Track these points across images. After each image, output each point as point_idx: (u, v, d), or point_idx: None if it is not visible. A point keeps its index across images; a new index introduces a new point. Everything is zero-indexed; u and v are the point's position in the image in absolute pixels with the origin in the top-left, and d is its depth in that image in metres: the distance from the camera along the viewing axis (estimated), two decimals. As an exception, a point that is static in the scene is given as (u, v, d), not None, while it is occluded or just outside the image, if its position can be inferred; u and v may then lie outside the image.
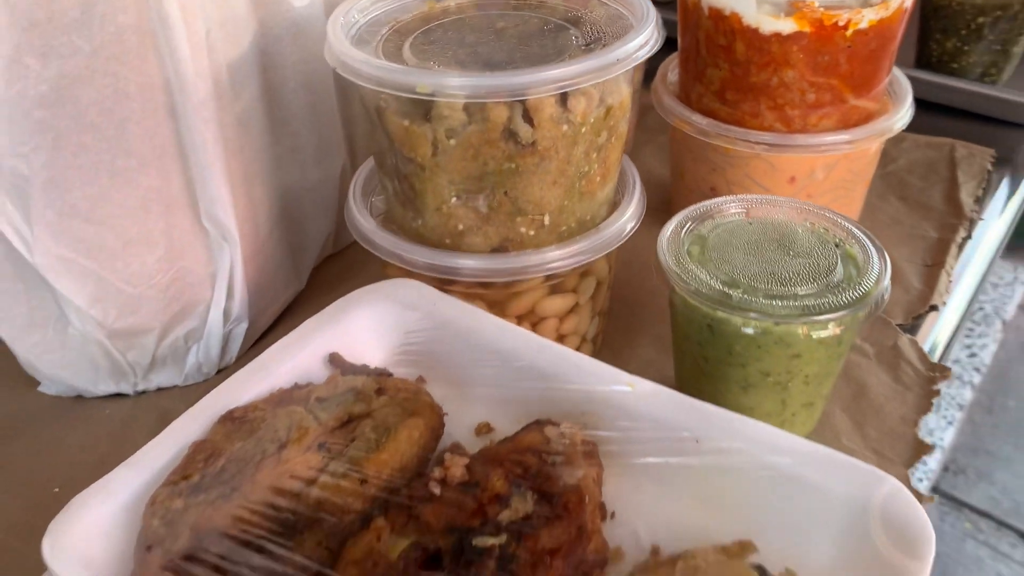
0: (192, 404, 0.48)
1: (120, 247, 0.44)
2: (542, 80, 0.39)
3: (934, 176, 0.66)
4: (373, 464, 0.37)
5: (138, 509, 0.37)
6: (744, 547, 0.36)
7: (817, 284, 0.41)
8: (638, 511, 0.38)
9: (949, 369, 0.50)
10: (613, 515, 0.38)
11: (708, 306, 0.41)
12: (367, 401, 0.41)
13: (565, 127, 0.41)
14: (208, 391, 0.45)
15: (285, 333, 0.52)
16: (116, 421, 0.50)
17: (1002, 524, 1.56)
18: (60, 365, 0.49)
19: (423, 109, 0.41)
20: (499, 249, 0.45)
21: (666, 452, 0.38)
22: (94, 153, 0.42)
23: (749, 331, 0.40)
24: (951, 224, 0.61)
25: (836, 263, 0.42)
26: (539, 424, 0.40)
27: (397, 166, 0.44)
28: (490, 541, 0.34)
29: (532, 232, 0.45)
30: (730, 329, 0.41)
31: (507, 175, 0.42)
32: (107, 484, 0.37)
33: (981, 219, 0.62)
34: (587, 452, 0.38)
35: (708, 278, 0.42)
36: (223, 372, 0.52)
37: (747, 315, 0.40)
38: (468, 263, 0.45)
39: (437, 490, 0.37)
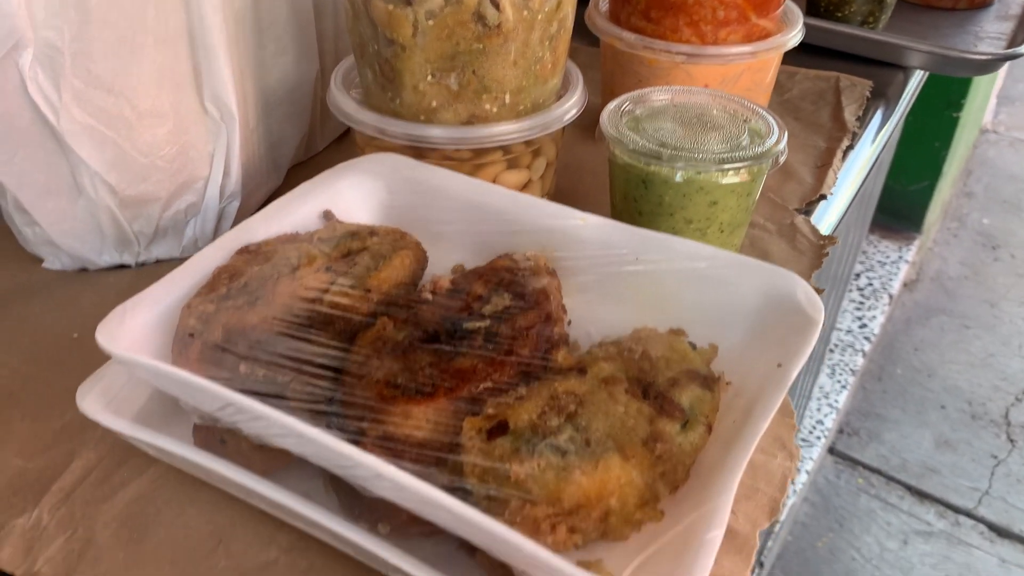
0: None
1: (135, 118, 0.51)
2: (507, -30, 0.48)
3: (822, 102, 0.77)
4: (374, 280, 0.45)
5: (170, 318, 0.43)
6: (676, 332, 0.45)
7: (729, 145, 0.51)
8: (590, 318, 0.47)
9: (835, 238, 0.61)
10: (570, 322, 0.47)
11: (643, 162, 0.50)
12: (363, 240, 0.48)
13: (525, 12, 0.50)
14: None
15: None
16: (123, 284, 0.56)
17: (891, 479, 1.72)
18: (70, 234, 0.54)
19: (406, -5, 0.49)
20: (466, 124, 0.53)
21: (611, 267, 0.47)
22: (118, 28, 0.48)
23: (677, 179, 0.50)
24: (837, 136, 0.72)
25: (744, 132, 0.52)
26: (507, 255, 0.48)
27: (379, 51, 0.52)
28: (477, 324, 0.42)
29: (495, 109, 0.53)
30: (660, 180, 0.50)
31: (475, 55, 0.50)
32: (145, 295, 0.43)
33: (861, 133, 0.74)
34: (548, 270, 0.47)
35: (643, 141, 0.51)
36: (211, 247, 0.59)
37: (675, 165, 0.49)
38: (440, 132, 0.53)
39: (429, 296, 0.45)
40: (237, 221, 0.59)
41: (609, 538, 0.36)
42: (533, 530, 0.33)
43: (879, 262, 2.30)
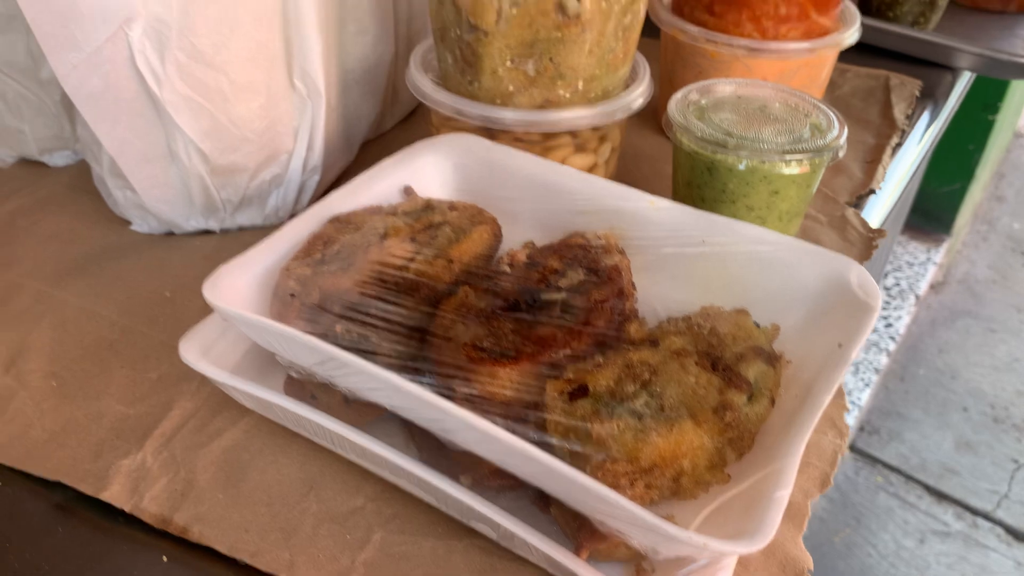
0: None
1: (232, 92, 0.54)
2: (589, -37, 0.51)
3: (872, 99, 0.79)
4: (456, 251, 0.48)
5: (268, 279, 0.47)
6: (740, 311, 0.47)
7: (792, 137, 0.53)
8: (656, 296, 0.49)
9: (884, 231, 0.63)
10: (637, 300, 0.49)
11: (709, 150, 0.53)
12: (443, 214, 0.51)
13: (603, 3, 0.52)
14: None
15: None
16: (208, 248, 0.59)
17: (910, 478, 1.73)
18: (161, 199, 0.58)
19: (491, -16, 0.52)
20: (540, 108, 0.56)
21: (679, 248, 0.49)
22: (220, 5, 0.51)
23: (741, 167, 0.52)
24: (886, 133, 0.74)
25: (805, 126, 0.55)
26: (579, 233, 0.51)
27: (460, 36, 0.55)
28: (555, 296, 0.45)
29: (568, 95, 0.56)
30: (725, 168, 0.53)
31: (554, 43, 0.53)
32: (246, 257, 0.46)
33: (910, 131, 0.76)
34: (619, 249, 0.49)
35: (709, 129, 0.53)
36: (295, 217, 0.62)
37: (740, 154, 0.52)
38: (514, 116, 0.55)
39: (508, 269, 0.47)
40: (315, 194, 0.62)
41: (680, 497, 0.38)
42: (613, 484, 0.36)
43: (907, 262, 2.30)
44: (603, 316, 0.44)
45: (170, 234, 0.60)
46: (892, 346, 2.02)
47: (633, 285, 0.48)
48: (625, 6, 0.54)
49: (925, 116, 0.80)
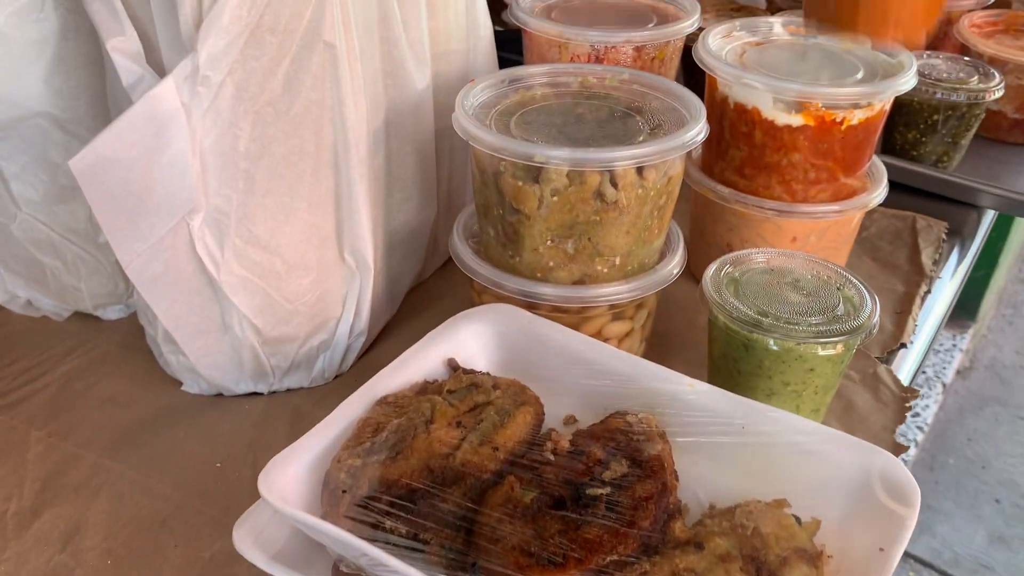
0: (317, 403, 0.61)
1: (284, 271, 0.56)
2: (627, 156, 0.53)
3: (899, 241, 0.81)
4: (501, 437, 0.49)
5: (319, 465, 0.48)
6: (780, 503, 0.48)
7: (825, 316, 0.55)
8: (696, 480, 0.50)
9: (918, 391, 0.64)
10: (678, 482, 0.50)
11: (746, 329, 0.54)
12: (487, 393, 0.53)
13: (640, 191, 0.55)
14: (329, 392, 0.58)
15: (386, 348, 0.65)
16: (256, 414, 0.61)
17: (943, 574, 1.70)
18: (213, 366, 0.60)
19: (534, 173, 0.54)
20: (579, 282, 0.58)
21: (719, 435, 0.51)
22: (277, 196, 0.54)
23: (776, 349, 0.54)
24: (915, 280, 0.76)
25: (838, 301, 0.56)
26: (620, 413, 0.52)
27: (503, 216, 0.57)
28: (599, 491, 0.46)
29: (605, 270, 0.58)
30: (761, 346, 0.54)
31: (592, 225, 0.55)
32: (297, 447, 0.48)
33: (939, 278, 0.77)
34: (660, 434, 0.51)
35: (745, 307, 0.55)
36: (339, 377, 0.64)
37: (775, 336, 0.53)
38: (554, 291, 0.57)
39: (551, 456, 0.49)
40: (360, 353, 0.64)
41: None
42: None
43: (933, 350, 2.29)
44: (648, 515, 0.45)
45: (219, 395, 0.62)
46: (920, 436, 2.00)
47: (676, 475, 0.49)
48: (660, 190, 0.56)
49: (953, 256, 0.82)
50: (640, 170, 0.55)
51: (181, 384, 0.63)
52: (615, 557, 0.43)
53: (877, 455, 0.47)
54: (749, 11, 1.00)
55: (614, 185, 0.54)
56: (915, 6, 0.50)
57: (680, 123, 0.58)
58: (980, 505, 1.84)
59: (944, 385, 2.15)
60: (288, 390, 0.63)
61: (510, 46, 0.78)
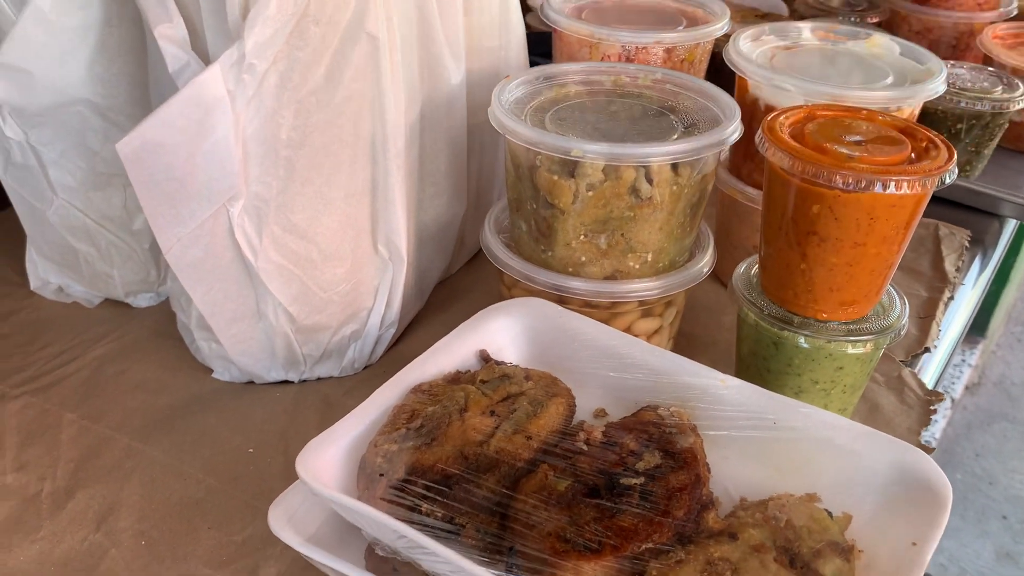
0: (346, 392, 0.61)
1: (320, 260, 0.57)
2: (663, 152, 0.54)
3: (923, 248, 0.81)
4: (534, 426, 0.50)
5: (355, 450, 0.49)
6: (812, 497, 0.48)
7: (856, 315, 0.55)
8: (727, 474, 0.51)
9: (942, 394, 0.64)
10: (710, 474, 0.51)
11: (776, 326, 0.55)
12: (519, 384, 0.53)
13: (674, 187, 0.55)
14: (358, 383, 0.59)
15: (415, 341, 0.66)
16: (287, 401, 0.61)
17: (950, 589, 1.70)
18: (246, 353, 0.60)
19: (569, 167, 0.55)
20: (610, 278, 0.59)
21: (750, 429, 0.51)
22: (316, 185, 0.55)
23: (807, 346, 0.54)
24: (938, 287, 0.76)
25: (868, 301, 0.57)
26: (651, 407, 0.53)
27: (537, 210, 0.58)
28: (633, 480, 0.46)
29: (637, 266, 0.58)
30: (791, 344, 0.55)
31: (626, 221, 0.56)
32: (333, 432, 0.49)
33: (962, 284, 0.78)
34: (692, 427, 0.51)
35: (776, 307, 0.56)
36: (369, 368, 0.64)
37: (806, 333, 0.54)
38: (585, 285, 0.58)
39: (584, 446, 0.49)
40: (389, 344, 0.65)
41: None
42: None
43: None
44: (682, 505, 0.45)
45: (250, 383, 0.63)
46: (928, 452, 2.00)
47: (708, 467, 0.50)
48: (695, 187, 0.57)
49: (976, 265, 0.82)
50: (675, 167, 0.55)
51: (212, 371, 0.64)
52: (650, 545, 0.43)
53: (908, 452, 0.48)
54: (774, 19, 1.01)
55: (649, 181, 0.55)
56: (864, 287, 0.54)
57: (714, 122, 0.58)
58: (987, 521, 1.83)
59: (953, 400, 2.15)
60: (318, 379, 0.63)
61: (534, 48, 0.79)
